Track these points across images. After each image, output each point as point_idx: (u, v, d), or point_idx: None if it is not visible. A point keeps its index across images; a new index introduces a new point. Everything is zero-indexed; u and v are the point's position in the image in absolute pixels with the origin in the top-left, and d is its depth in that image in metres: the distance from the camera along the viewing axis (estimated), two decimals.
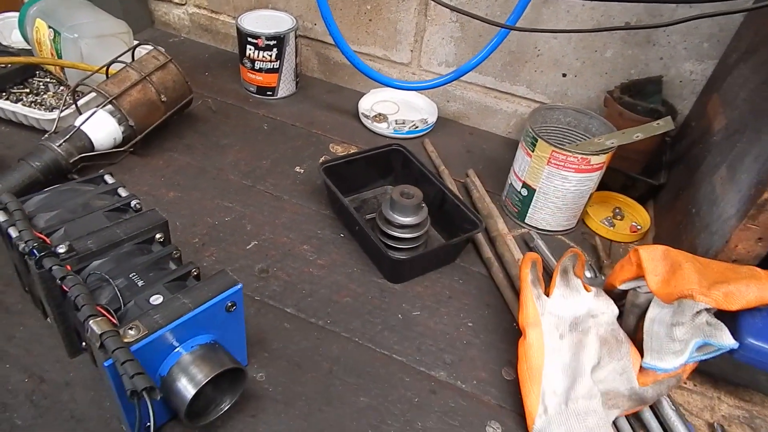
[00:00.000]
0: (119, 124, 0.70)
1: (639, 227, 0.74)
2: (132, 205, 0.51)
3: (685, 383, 0.55)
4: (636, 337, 0.51)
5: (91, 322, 0.36)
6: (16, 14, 0.86)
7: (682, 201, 0.66)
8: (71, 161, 0.66)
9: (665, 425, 0.50)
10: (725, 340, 0.45)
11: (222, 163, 0.76)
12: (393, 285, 0.62)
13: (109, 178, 0.54)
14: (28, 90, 0.82)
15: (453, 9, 0.69)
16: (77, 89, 0.73)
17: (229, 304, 0.43)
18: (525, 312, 0.51)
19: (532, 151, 0.67)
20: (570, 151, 0.64)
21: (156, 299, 0.42)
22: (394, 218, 0.62)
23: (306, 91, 0.96)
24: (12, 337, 0.50)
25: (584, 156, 0.64)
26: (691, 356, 0.46)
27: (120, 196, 0.52)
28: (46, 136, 0.67)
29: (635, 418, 0.51)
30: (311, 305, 0.58)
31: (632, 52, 0.78)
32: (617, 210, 0.76)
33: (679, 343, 0.46)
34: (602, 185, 0.74)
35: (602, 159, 0.65)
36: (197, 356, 0.41)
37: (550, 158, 0.65)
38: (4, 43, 0.91)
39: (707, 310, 0.46)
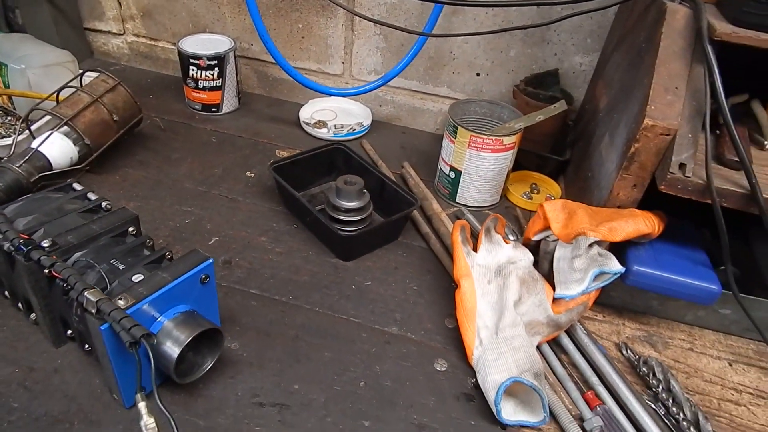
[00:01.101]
0: (75, 144, 0.75)
1: (552, 197, 0.85)
2: (102, 206, 0.57)
3: (595, 315, 0.66)
4: (550, 279, 0.61)
5: (86, 293, 0.42)
6: None
7: (582, 170, 0.79)
8: (32, 180, 0.70)
9: (580, 347, 0.61)
10: (614, 266, 0.56)
11: (176, 174, 0.82)
12: (345, 263, 0.70)
13: (77, 186, 0.59)
14: None
15: (376, 22, 0.79)
16: (29, 116, 0.77)
17: (203, 277, 0.50)
18: (458, 266, 0.61)
19: (455, 138, 0.77)
20: (485, 135, 0.75)
21: (137, 277, 0.48)
22: (341, 204, 0.70)
23: (248, 106, 1.03)
24: None
25: (497, 138, 0.75)
26: (590, 284, 0.57)
27: (90, 199, 0.57)
28: (5, 158, 0.71)
29: (555, 344, 0.61)
30: (273, 285, 0.65)
31: (531, 51, 0.90)
32: (534, 185, 0.88)
33: (579, 272, 0.56)
34: (519, 165, 0.86)
35: (513, 139, 0.76)
36: (179, 322, 0.47)
37: (469, 142, 0.76)
38: None
39: (598, 243, 0.57)
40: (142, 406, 0.41)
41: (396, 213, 0.72)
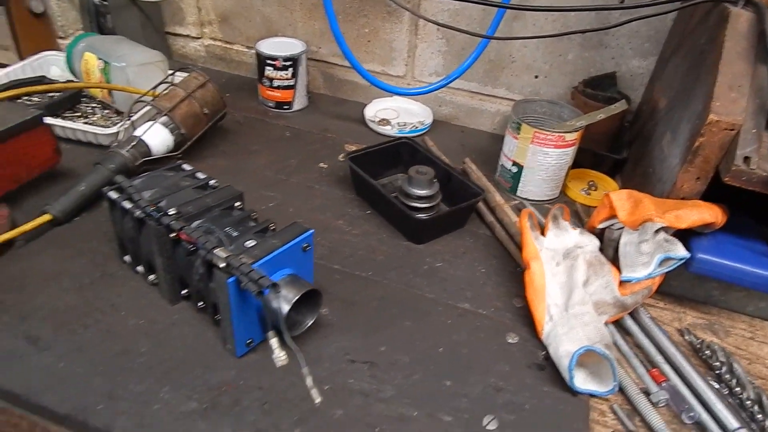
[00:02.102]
0: (171, 133, 0.83)
1: None
2: (210, 184, 0.64)
3: (656, 303, 0.70)
4: (615, 264, 0.65)
5: (215, 251, 0.49)
6: (51, 53, 1.03)
7: (641, 167, 0.82)
8: (136, 164, 0.78)
9: (644, 329, 0.64)
10: (680, 251, 0.60)
11: (256, 164, 0.89)
12: (416, 246, 0.75)
13: (186, 166, 0.66)
14: (78, 114, 0.95)
15: (441, 25, 0.85)
16: (131, 108, 0.85)
17: (305, 245, 0.56)
18: (527, 249, 0.65)
19: (518, 135, 0.82)
20: (549, 131, 0.79)
21: (250, 243, 0.54)
22: (413, 191, 0.76)
23: (316, 105, 1.10)
24: (120, 294, 0.62)
25: (560, 134, 0.79)
26: (655, 268, 0.61)
27: (199, 178, 0.65)
28: (114, 145, 0.79)
29: (619, 327, 0.65)
30: (353, 262, 0.71)
31: (589, 55, 0.95)
32: (591, 182, 0.92)
33: (646, 256, 0.60)
34: (577, 164, 0.90)
35: (574, 136, 0.81)
36: (286, 282, 0.53)
37: (533, 138, 0.81)
38: (48, 76, 1.03)
39: (664, 230, 0.61)
40: (273, 341, 0.47)
41: (462, 202, 0.78)
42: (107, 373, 0.53)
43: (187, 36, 1.19)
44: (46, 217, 0.69)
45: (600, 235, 0.69)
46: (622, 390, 0.57)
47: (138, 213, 0.56)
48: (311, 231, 0.56)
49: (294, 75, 1.02)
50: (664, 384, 0.58)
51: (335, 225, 0.77)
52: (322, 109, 1.09)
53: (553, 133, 0.79)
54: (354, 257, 0.72)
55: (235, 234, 0.56)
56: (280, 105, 1.05)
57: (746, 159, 0.59)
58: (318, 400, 0.48)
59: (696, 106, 0.66)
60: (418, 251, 0.74)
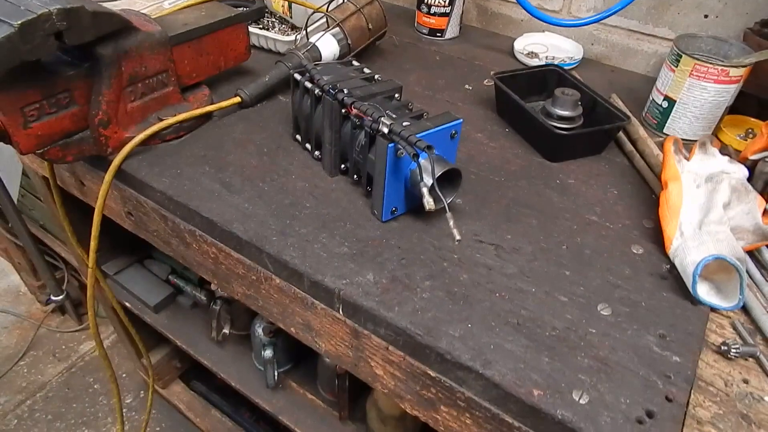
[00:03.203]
0: (338, 43, 0.93)
1: None
2: (375, 78, 0.73)
3: None
4: (763, 197, 0.63)
5: (382, 119, 0.58)
6: None
7: None
8: (308, 66, 0.90)
9: None
10: None
11: (407, 80, 0.97)
12: (550, 163, 0.78)
13: (355, 62, 0.76)
14: (261, 26, 1.10)
15: None
16: (308, 19, 0.97)
17: (453, 132, 0.63)
18: (667, 169, 0.66)
19: (676, 67, 0.80)
20: (711, 63, 0.76)
21: (406, 123, 0.62)
22: (555, 111, 0.79)
23: (467, 35, 1.15)
24: (291, 163, 0.74)
25: (724, 68, 0.76)
26: None
27: (366, 72, 0.74)
28: (292, 48, 0.91)
29: (755, 258, 0.64)
30: (488, 168, 0.76)
31: None
32: (750, 130, 0.86)
33: None
34: (736, 110, 0.85)
35: (740, 72, 0.77)
36: (433, 159, 0.61)
37: (692, 71, 0.78)
38: None
39: None
40: (425, 190, 0.56)
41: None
42: (280, 216, 0.66)
43: None
44: (236, 99, 0.84)
45: (752, 167, 0.66)
46: (746, 310, 0.57)
47: (317, 91, 0.67)
48: (460, 120, 0.63)
49: (451, 3, 1.07)
50: None
51: (475, 137, 0.83)
52: (472, 40, 1.13)
53: (716, 66, 0.76)
54: (489, 164, 0.77)
55: (394, 116, 0.64)
56: (433, 32, 1.11)
57: None
58: (458, 238, 0.56)
59: None
60: (552, 167, 0.77)
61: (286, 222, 0.65)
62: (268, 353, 1.10)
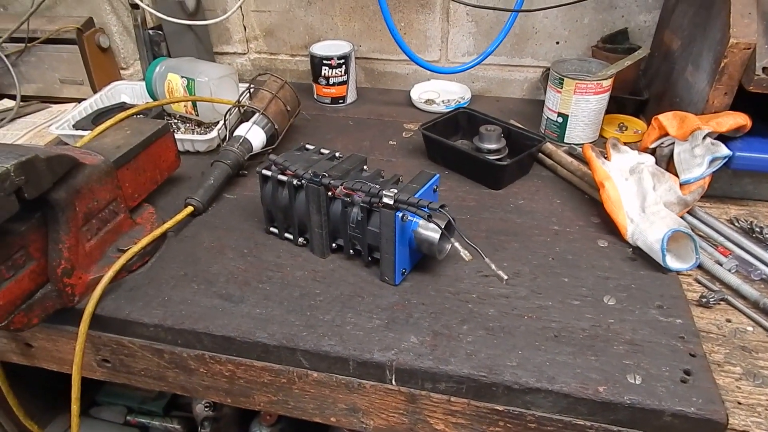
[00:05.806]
0: (264, 130, 0.95)
1: (639, 131, 1.04)
2: (336, 155, 0.76)
3: (703, 204, 0.84)
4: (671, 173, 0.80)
5: (384, 191, 0.62)
6: (120, 82, 1.16)
7: (666, 101, 0.97)
8: (245, 159, 0.90)
9: (702, 221, 0.79)
10: (724, 150, 0.75)
11: (336, 148, 1.02)
12: (497, 191, 0.88)
13: (309, 146, 0.79)
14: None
15: (473, 6, 0.99)
16: (227, 114, 0.97)
17: (435, 187, 0.69)
18: (598, 173, 0.79)
19: (561, 88, 0.96)
20: (589, 80, 0.94)
21: (392, 190, 0.67)
22: (484, 146, 0.90)
23: (363, 97, 1.23)
24: (278, 256, 0.74)
25: (598, 81, 0.94)
26: (707, 168, 0.75)
27: (324, 153, 0.77)
28: (225, 145, 0.91)
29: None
30: (452, 209, 0.81)
31: (602, 16, 1.10)
32: (621, 124, 1.06)
33: (699, 158, 0.75)
34: (605, 111, 1.05)
35: (608, 82, 0.95)
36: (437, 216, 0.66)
37: (575, 89, 0.95)
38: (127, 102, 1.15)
39: (709, 135, 0.76)
40: (457, 245, 0.60)
41: (524, 152, 0.91)
42: (297, 311, 0.65)
43: (234, 53, 1.32)
44: (189, 209, 0.81)
45: (652, 153, 0.83)
46: (700, 266, 0.71)
47: (296, 181, 0.68)
48: (437, 175, 0.69)
49: (346, 71, 1.15)
50: (730, 256, 0.72)
51: None
52: (370, 99, 1.22)
53: (593, 82, 0.94)
54: (451, 206, 0.83)
55: (376, 186, 0.69)
56: (335, 100, 1.18)
57: (764, 69, 0.74)
58: (505, 278, 0.61)
59: (714, 36, 0.81)
60: (500, 195, 0.88)
61: (307, 314, 0.65)
62: None
